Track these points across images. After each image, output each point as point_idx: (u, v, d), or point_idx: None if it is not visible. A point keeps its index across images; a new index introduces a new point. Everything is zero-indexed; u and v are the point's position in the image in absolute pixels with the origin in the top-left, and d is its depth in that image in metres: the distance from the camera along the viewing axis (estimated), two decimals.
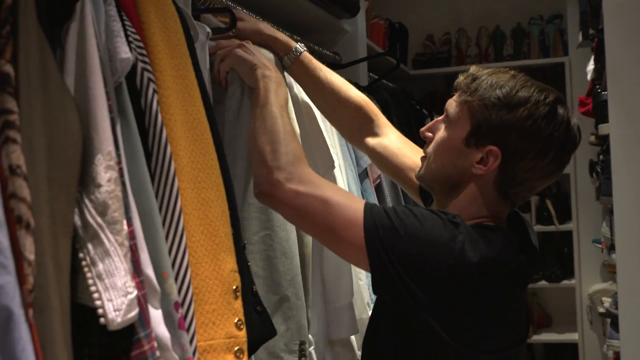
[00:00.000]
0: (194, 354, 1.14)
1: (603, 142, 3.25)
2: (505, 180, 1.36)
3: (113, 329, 0.97)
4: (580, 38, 3.74)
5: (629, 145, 2.58)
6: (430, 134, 1.45)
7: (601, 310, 3.33)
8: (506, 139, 1.33)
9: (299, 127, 1.81)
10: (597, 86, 3.06)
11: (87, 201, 1.01)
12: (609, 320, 3.11)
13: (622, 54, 2.55)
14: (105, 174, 1.03)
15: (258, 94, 1.44)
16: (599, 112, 2.97)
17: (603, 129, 2.90)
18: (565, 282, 4.17)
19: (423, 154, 1.49)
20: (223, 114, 1.49)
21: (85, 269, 0.98)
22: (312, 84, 1.68)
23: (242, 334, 1.25)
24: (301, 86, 1.70)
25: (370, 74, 3.15)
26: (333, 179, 1.92)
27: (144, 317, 1.03)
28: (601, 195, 3.25)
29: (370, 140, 1.75)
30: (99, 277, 0.99)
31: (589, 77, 3.47)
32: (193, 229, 1.22)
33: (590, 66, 3.42)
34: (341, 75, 2.55)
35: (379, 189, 2.44)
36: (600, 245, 3.65)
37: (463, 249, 1.26)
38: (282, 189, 1.33)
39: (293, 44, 1.65)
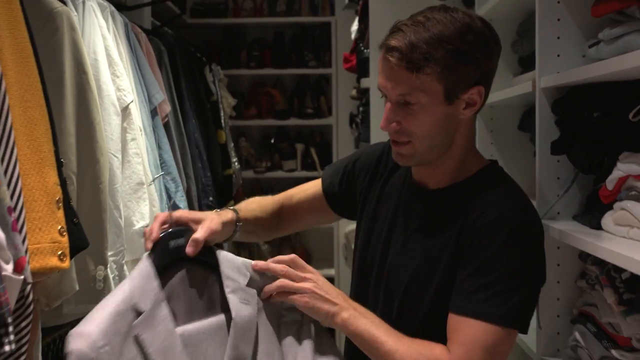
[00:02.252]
0: (25, 253, 1.28)
1: (363, 95, 3.66)
2: (484, 102, 1.40)
3: None
4: (347, 0, 4.11)
5: None
6: (394, 125, 1.36)
7: None
8: (476, 70, 1.34)
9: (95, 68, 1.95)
10: (361, 45, 3.42)
11: None
12: None
13: (384, 15, 2.95)
14: None
15: (361, 337, 1.36)
16: (362, 68, 3.34)
17: (365, 82, 3.29)
18: (324, 225, 4.56)
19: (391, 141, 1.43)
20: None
21: None
22: (252, 231, 1.65)
23: (65, 240, 1.40)
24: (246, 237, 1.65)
25: (153, 19, 3.29)
26: (132, 113, 2.09)
27: None
28: (360, 142, 3.65)
29: (286, 213, 1.75)
30: None
31: (353, 36, 3.84)
32: (20, 144, 1.33)
33: (355, 26, 3.79)
34: (127, 16, 2.64)
35: (167, 126, 2.61)
36: None
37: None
38: None
39: (232, 215, 1.54)
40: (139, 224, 2.04)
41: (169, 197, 2.38)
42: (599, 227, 1.50)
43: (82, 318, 1.34)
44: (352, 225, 4.27)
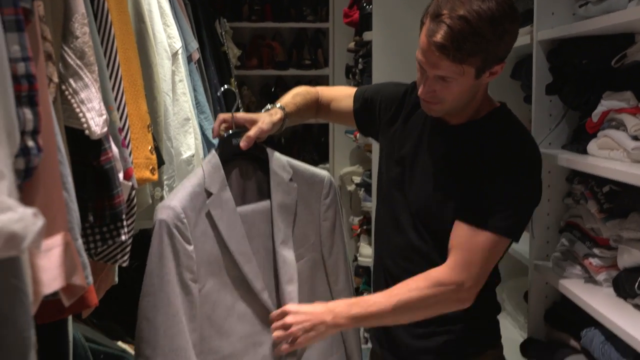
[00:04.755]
0: (131, 164, 1.58)
1: (362, 47, 3.94)
2: None
3: (95, 138, 1.37)
4: None
5: (388, 49, 3.29)
6: (430, 93, 1.61)
7: (357, 181, 4.10)
8: (503, 52, 1.57)
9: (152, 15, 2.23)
10: (363, 2, 3.70)
11: (66, 48, 1.38)
12: (362, 188, 3.89)
13: None
14: (81, 29, 1.40)
15: (363, 323, 1.72)
16: (364, 22, 3.63)
17: (367, 35, 3.58)
18: (321, 166, 4.84)
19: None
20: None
21: (69, 97, 1.36)
22: (295, 122, 1.92)
23: (154, 157, 1.71)
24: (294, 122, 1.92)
25: None
26: (179, 58, 2.38)
27: (106, 134, 1.44)
28: None
29: (322, 112, 2.03)
30: (82, 102, 1.38)
31: None
32: (121, 78, 1.63)
33: None
34: None
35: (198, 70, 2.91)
36: (352, 135, 4.38)
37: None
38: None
39: (281, 115, 1.79)
40: (186, 154, 2.34)
41: (203, 133, 2.68)
42: (584, 152, 1.84)
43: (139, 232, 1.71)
44: (347, 168, 4.61)
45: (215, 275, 1.66)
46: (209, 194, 1.65)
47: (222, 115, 1.75)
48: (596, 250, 1.78)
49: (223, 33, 4.19)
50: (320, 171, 1.86)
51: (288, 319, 1.62)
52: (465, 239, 1.59)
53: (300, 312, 1.63)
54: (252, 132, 1.71)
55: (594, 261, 1.78)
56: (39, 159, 0.99)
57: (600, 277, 1.76)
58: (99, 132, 1.38)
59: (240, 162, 1.74)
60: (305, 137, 5.03)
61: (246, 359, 1.70)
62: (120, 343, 1.86)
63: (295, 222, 1.78)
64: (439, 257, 1.68)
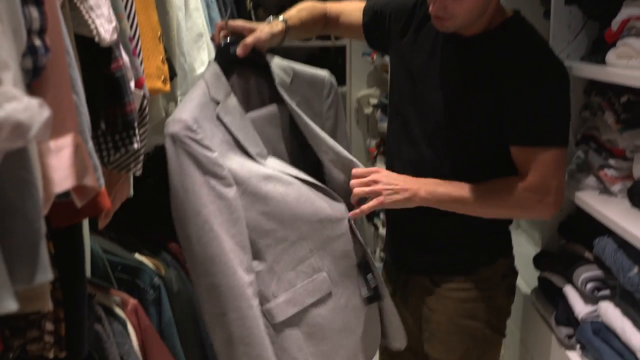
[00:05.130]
0: (142, 74, 1.57)
1: None
2: None
3: (105, 46, 1.36)
4: None
5: None
6: (443, 9, 1.59)
7: (374, 103, 4.07)
8: None
9: None
10: None
11: None
12: (379, 109, 3.87)
13: None
14: None
15: (445, 203, 1.65)
16: None
17: None
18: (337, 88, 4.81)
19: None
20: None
21: (78, 4, 1.34)
22: (298, 36, 1.91)
23: (166, 68, 1.70)
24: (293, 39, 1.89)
25: None
26: None
27: (116, 42, 1.43)
28: None
29: (331, 26, 2.01)
30: (91, 8, 1.36)
31: None
32: None
33: None
34: None
35: None
36: (369, 58, 4.34)
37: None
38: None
39: (282, 27, 1.79)
40: (200, 69, 2.32)
41: None
42: (603, 63, 1.81)
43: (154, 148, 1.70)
44: (364, 91, 4.58)
45: (254, 175, 1.64)
46: (216, 103, 1.64)
47: (220, 23, 1.74)
48: (612, 161, 1.76)
49: None
50: (320, 71, 1.84)
51: (377, 176, 1.64)
52: (532, 160, 1.58)
53: (391, 175, 1.66)
54: (249, 39, 1.70)
55: (609, 172, 1.77)
56: (46, 59, 0.98)
57: (615, 187, 1.76)
58: (108, 39, 1.37)
59: (240, 70, 1.73)
60: (322, 60, 4.97)
61: (313, 239, 1.69)
62: (137, 255, 1.89)
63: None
64: (452, 171, 1.68)
